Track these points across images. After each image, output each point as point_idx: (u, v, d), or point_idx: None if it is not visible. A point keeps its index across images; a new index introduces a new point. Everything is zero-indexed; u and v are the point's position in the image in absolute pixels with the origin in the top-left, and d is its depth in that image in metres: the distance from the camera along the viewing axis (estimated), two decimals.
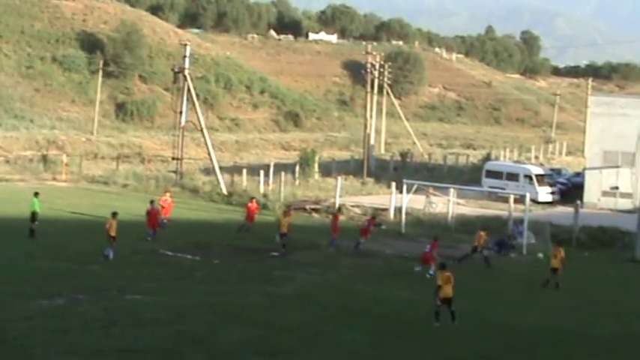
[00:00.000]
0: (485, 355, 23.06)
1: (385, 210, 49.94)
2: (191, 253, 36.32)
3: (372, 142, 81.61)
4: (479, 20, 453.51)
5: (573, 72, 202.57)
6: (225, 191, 57.98)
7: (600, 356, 24.00)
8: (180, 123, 64.60)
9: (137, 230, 38.54)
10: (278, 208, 50.04)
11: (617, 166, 58.05)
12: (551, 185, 61.22)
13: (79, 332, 22.63)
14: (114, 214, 34.60)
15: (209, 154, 61.87)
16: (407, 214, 47.13)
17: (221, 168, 61.56)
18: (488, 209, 53.20)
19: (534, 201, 53.59)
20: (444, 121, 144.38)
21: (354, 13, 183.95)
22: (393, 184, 50.87)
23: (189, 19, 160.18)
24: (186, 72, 63.02)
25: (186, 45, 65.83)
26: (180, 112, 64.10)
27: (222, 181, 59.11)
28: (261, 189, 57.13)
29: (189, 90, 63.06)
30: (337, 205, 50.18)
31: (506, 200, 48.92)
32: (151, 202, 40.47)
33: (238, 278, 31.79)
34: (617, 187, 58.01)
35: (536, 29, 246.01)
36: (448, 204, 49.73)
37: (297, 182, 62.48)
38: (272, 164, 63.06)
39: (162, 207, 42.90)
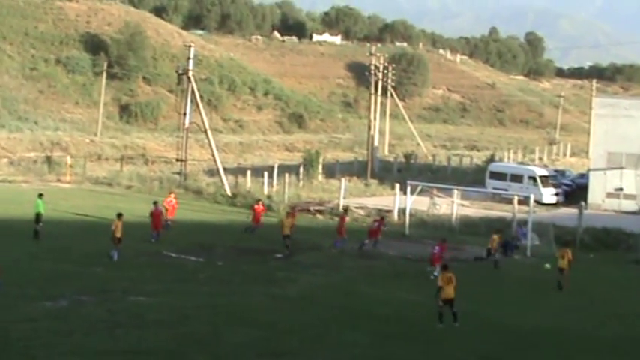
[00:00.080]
0: (488, 356, 23.04)
1: (389, 211, 49.92)
2: (195, 254, 36.34)
3: (376, 143, 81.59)
4: (482, 22, 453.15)
5: (577, 73, 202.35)
6: (229, 193, 58.01)
7: (603, 357, 23.98)
8: (184, 124, 64.66)
9: (141, 232, 38.56)
10: (282, 209, 50.05)
11: (622, 168, 57.98)
12: (555, 187, 61.15)
13: (83, 334, 22.65)
14: (119, 216, 34.66)
15: (213, 155, 61.89)
16: (411, 215, 47.10)
17: (225, 169, 61.57)
18: (492, 211, 53.20)
19: (538, 202, 53.58)
20: (447, 123, 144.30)
21: (358, 14, 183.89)
22: (397, 185, 50.84)
23: (192, 21, 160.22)
24: (190, 73, 63.05)
25: (190, 46, 65.86)
26: (184, 114, 64.17)
27: (226, 183, 59.14)
28: (265, 190, 57.15)
29: (193, 91, 63.10)
30: (344, 207, 50.07)
31: (510, 202, 48.91)
32: (155, 203, 40.50)
33: (242, 279, 31.80)
34: (621, 189, 57.93)
35: (539, 30, 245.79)
36: (452, 205, 49.71)
37: (300, 184, 62.50)
38: (276, 166, 63.12)
39: (167, 208, 42.95)
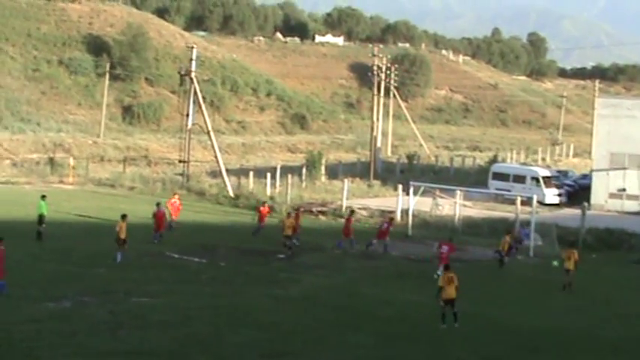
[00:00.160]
0: (491, 357, 23.02)
1: (392, 212, 49.89)
2: (197, 255, 36.35)
3: (378, 144, 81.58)
4: (485, 22, 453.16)
5: (580, 74, 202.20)
6: (231, 194, 58.03)
7: (605, 358, 23.94)
8: (186, 126, 64.67)
9: (144, 233, 38.57)
10: (285, 210, 50.06)
11: (624, 168, 57.96)
12: (557, 187, 61.15)
13: (86, 335, 22.66)
14: (123, 217, 34.66)
15: (216, 156, 61.94)
16: (414, 216, 47.10)
17: (228, 170, 61.59)
18: (494, 211, 53.19)
19: (541, 203, 53.49)
20: (450, 124, 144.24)
21: (361, 15, 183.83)
22: (400, 186, 50.84)
23: (195, 22, 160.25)
24: (193, 75, 63.09)
25: (192, 48, 65.89)
26: (187, 115, 64.18)
27: (229, 184, 59.16)
28: (268, 191, 57.19)
29: (195, 93, 63.15)
30: (350, 208, 49.85)
31: (512, 202, 48.83)
32: (157, 204, 40.51)
33: (244, 280, 31.81)
34: (624, 189, 57.91)
35: (542, 31, 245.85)
36: (455, 206, 49.70)
37: (303, 185, 62.51)
38: (278, 167, 63.15)
39: (170, 209, 42.94)
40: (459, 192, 50.32)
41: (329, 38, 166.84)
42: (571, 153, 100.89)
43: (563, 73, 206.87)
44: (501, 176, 61.78)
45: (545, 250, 41.09)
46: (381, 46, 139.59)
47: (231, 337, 23.23)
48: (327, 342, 23.40)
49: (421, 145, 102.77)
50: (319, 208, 53.06)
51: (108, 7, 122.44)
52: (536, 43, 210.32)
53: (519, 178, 60.78)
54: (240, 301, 27.81)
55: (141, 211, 44.35)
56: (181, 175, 64.21)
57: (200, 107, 63.45)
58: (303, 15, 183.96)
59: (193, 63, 63.84)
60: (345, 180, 56.81)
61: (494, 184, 61.34)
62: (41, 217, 38.43)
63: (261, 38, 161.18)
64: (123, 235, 34.00)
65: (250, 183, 59.94)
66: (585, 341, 25.28)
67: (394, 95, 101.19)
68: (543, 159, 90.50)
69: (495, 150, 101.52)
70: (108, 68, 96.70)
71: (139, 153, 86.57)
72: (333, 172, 69.99)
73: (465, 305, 25.79)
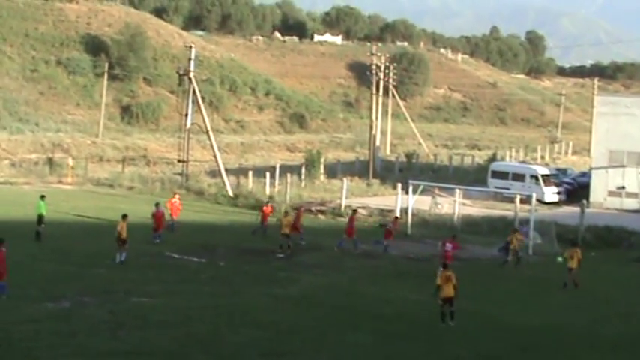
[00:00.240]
0: (491, 355, 23.03)
1: (391, 211, 49.88)
2: (197, 255, 36.36)
3: (377, 143, 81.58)
4: (483, 20, 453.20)
5: (578, 72, 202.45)
6: (230, 193, 58.02)
7: (606, 356, 23.93)
8: (185, 125, 64.67)
9: (143, 233, 38.55)
10: (284, 209, 50.03)
11: (623, 166, 57.97)
12: (557, 185, 61.15)
13: (85, 335, 22.65)
14: (124, 217, 34.61)
15: (215, 156, 61.91)
16: (413, 215, 47.10)
17: (226, 170, 61.56)
18: (494, 210, 53.18)
19: (540, 201, 53.56)
20: (449, 122, 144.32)
21: (359, 14, 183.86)
22: (399, 185, 50.83)
23: (193, 22, 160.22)
24: (191, 74, 63.06)
25: (191, 47, 65.84)
26: (186, 115, 64.17)
27: (228, 184, 59.14)
28: (267, 191, 57.17)
29: (194, 92, 63.11)
30: (352, 208, 49.66)
31: (512, 201, 48.82)
32: (157, 204, 40.50)
33: (244, 280, 31.81)
34: (623, 187, 57.93)
35: (540, 29, 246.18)
36: (454, 205, 49.70)
37: (302, 184, 62.51)
38: (277, 166, 63.16)
39: (170, 209, 42.96)
40: (458, 190, 50.31)
41: (327, 37, 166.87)
42: (570, 151, 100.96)
43: (561, 71, 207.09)
44: (500, 175, 61.77)
45: (544, 249, 41.09)
46: (380, 44, 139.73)
47: (231, 337, 23.24)
48: (326, 341, 23.41)
49: (420, 144, 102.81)
50: (318, 208, 53.05)
51: (106, 7, 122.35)
52: (534, 41, 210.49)
53: (518, 177, 60.77)
54: (239, 301, 27.82)
55: (140, 211, 44.32)
56: (180, 174, 64.18)
57: (199, 107, 63.43)
58: (302, 14, 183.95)
59: (192, 62, 63.80)
60: (344, 179, 56.82)
61: (493, 183, 61.34)
62: (40, 218, 38.42)
63: (259, 37, 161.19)
64: (124, 236, 33.97)
65: (249, 182, 59.93)
66: (585, 339, 25.29)
67: (393, 94, 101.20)
68: (542, 157, 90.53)
69: (494, 148, 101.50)
70: (106, 68, 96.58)
71: (137, 153, 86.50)
72: (332, 172, 69.98)
73: (464, 303, 25.80)
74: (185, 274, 32.42)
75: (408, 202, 47.01)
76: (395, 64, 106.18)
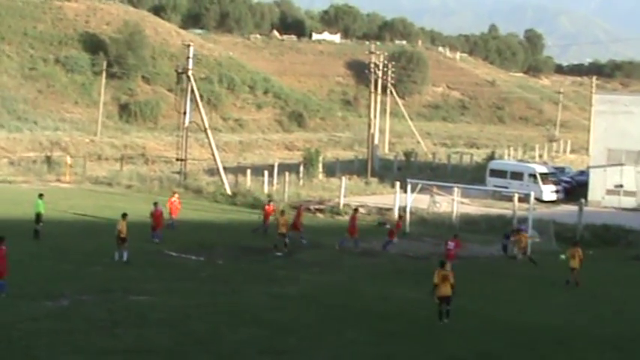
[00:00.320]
0: (489, 354, 23.04)
1: (389, 210, 49.88)
2: (195, 253, 36.35)
3: (375, 141, 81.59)
4: (482, 19, 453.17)
5: (577, 70, 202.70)
6: (229, 192, 58.01)
7: (604, 354, 23.95)
8: (183, 124, 64.66)
9: (141, 231, 38.52)
10: (281, 208, 50.02)
11: (622, 164, 57.98)
12: (555, 184, 61.14)
13: (84, 333, 22.65)
14: (124, 216, 34.57)
15: (213, 154, 61.89)
16: (411, 213, 47.07)
17: (225, 168, 61.57)
18: (492, 208, 53.17)
19: (538, 200, 53.54)
20: (447, 121, 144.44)
21: (357, 12, 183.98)
22: (397, 183, 50.78)
23: (191, 20, 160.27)
24: (190, 73, 63.04)
25: (189, 45, 65.81)
26: (184, 113, 64.17)
27: (227, 182, 59.13)
28: (266, 189, 57.17)
29: (192, 91, 63.08)
30: (354, 207, 49.55)
31: (510, 199, 48.89)
32: (155, 203, 40.49)
33: (243, 278, 31.80)
34: (621, 186, 57.93)
35: (539, 27, 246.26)
36: (452, 203, 49.71)
37: (301, 182, 62.51)
38: (276, 164, 63.11)
39: (169, 208, 42.98)
40: (456, 189, 50.31)
41: (326, 36, 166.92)
42: (568, 149, 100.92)
43: (560, 70, 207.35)
44: (499, 173, 61.75)
45: (542, 247, 41.08)
46: (378, 43, 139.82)
47: (230, 335, 23.24)
48: (325, 339, 23.41)
49: (418, 143, 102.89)
50: (317, 206, 53.04)
51: (104, 5, 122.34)
52: (532, 39, 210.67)
53: (517, 175, 60.77)
54: (238, 299, 27.82)
55: (138, 210, 44.28)
56: (178, 173, 64.16)
57: (197, 105, 63.39)
58: (300, 12, 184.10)
59: (190, 61, 63.76)
60: (343, 177, 56.81)
61: (491, 181, 61.34)
62: (39, 216, 38.41)
63: (257, 36, 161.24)
64: (124, 234, 33.94)
65: (248, 181, 59.92)
66: (584, 338, 25.29)
67: (391, 92, 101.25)
68: (540, 155, 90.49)
69: (492, 147, 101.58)
70: (104, 66, 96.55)
71: (136, 151, 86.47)
72: (331, 170, 69.98)
73: (462, 302, 25.81)
74: (184, 272, 32.41)
75: (406, 200, 46.99)
76: (393, 63, 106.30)
